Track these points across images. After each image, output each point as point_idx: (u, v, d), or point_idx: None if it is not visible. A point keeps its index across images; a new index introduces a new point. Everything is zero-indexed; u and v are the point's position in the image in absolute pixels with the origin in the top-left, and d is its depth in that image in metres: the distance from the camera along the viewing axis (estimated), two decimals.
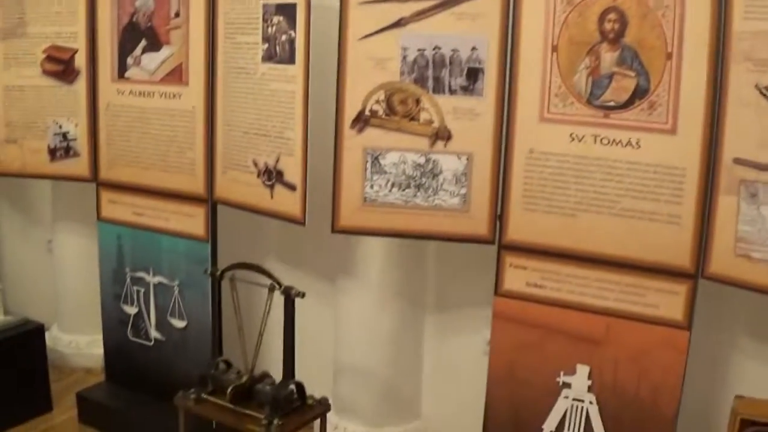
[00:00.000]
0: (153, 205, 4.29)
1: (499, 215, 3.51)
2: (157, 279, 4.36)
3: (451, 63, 3.50)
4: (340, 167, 3.61)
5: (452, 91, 3.52)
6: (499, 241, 3.53)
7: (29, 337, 4.58)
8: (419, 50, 3.53)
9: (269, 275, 3.32)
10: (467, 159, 3.52)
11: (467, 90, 3.51)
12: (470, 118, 3.50)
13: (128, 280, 4.46)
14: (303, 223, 3.69)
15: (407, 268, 4.11)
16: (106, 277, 4.58)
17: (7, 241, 5.79)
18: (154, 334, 4.47)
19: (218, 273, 3.48)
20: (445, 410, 4.34)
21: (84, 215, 4.99)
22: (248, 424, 3.39)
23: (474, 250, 3.77)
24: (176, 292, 4.32)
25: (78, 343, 5.23)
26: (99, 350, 5.14)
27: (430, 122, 3.52)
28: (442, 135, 3.53)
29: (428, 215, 3.62)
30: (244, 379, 3.48)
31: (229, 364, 3.62)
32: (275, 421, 3.35)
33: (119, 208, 4.41)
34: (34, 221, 5.60)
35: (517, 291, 3.53)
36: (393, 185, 3.56)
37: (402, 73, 3.56)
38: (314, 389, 3.58)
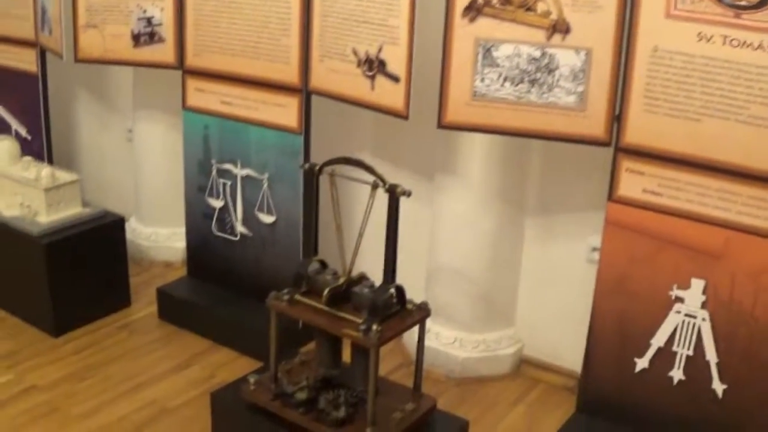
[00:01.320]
0: (242, 94, 4.12)
1: (617, 116, 3.29)
2: (245, 171, 4.21)
3: None
4: (448, 59, 3.41)
5: None
6: (615, 143, 3.33)
7: (109, 230, 4.49)
8: None
9: (373, 171, 3.13)
10: (586, 54, 3.30)
11: None
12: (590, 10, 3.27)
13: (214, 172, 4.31)
14: (406, 117, 3.50)
15: (510, 167, 3.94)
16: (191, 169, 4.44)
17: (85, 129, 5.68)
18: (240, 229, 4.33)
19: (317, 168, 3.24)
20: (540, 318, 4.22)
21: (166, 104, 4.88)
22: (345, 329, 3.23)
23: (582, 151, 3.62)
24: (265, 185, 4.18)
25: (158, 236, 5.12)
26: (179, 244, 5.09)
27: (547, 13, 3.29)
28: (560, 28, 3.31)
29: (541, 113, 3.42)
30: (341, 281, 3.29)
31: (324, 264, 3.42)
32: (374, 327, 3.17)
33: (206, 96, 4.23)
34: (113, 109, 5.47)
35: (633, 198, 3.34)
36: (505, 80, 3.35)
37: None
38: (407, 292, 3.40)
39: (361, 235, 3.29)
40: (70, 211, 4.39)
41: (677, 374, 3.39)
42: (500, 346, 4.21)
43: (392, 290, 3.29)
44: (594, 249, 3.85)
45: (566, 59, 3.35)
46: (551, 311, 4.16)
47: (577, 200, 3.94)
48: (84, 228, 4.36)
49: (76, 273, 4.35)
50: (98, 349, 4.29)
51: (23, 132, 5.07)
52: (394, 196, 3.17)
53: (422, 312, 3.39)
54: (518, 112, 3.43)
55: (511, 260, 4.15)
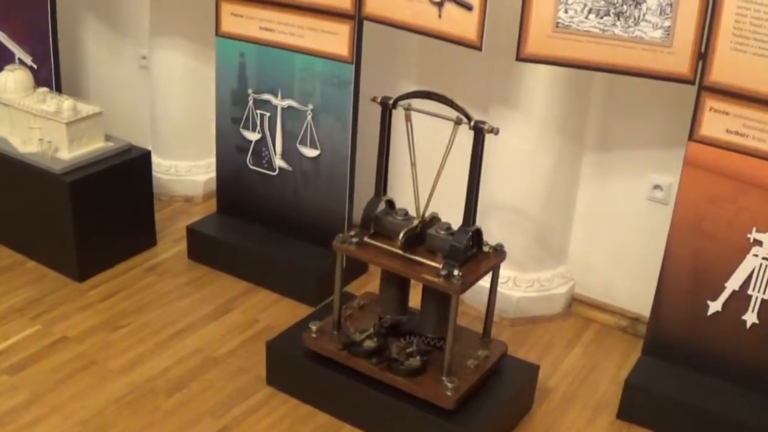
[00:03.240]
0: (285, 19, 3.91)
1: (702, 54, 3.15)
2: (287, 102, 4.00)
3: None
4: None
5: None
6: (700, 81, 3.20)
7: (135, 165, 4.29)
8: None
9: (457, 107, 2.95)
10: None
11: None
12: None
13: (251, 102, 4.11)
14: (479, 48, 3.34)
15: (572, 102, 3.81)
16: (224, 99, 4.23)
17: (94, 56, 5.44)
18: (278, 163, 4.15)
19: (391, 102, 3.05)
20: (593, 257, 4.14)
21: (186, 29, 4.70)
22: (423, 274, 3.08)
23: (646, 87, 3.53)
24: (309, 117, 3.99)
25: (177, 170, 4.90)
26: (200, 177, 4.97)
27: None
28: None
29: (626, 48, 3.26)
30: (415, 222, 3.11)
31: (392, 204, 3.25)
32: (455, 272, 3.02)
33: (243, 22, 4.02)
34: (124, 35, 5.22)
35: (715, 138, 3.22)
36: (590, 11, 3.20)
37: None
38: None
39: (438, 175, 3.09)
40: (93, 145, 4.19)
41: (751, 318, 3.33)
42: (553, 285, 4.14)
43: (470, 233, 3.09)
44: (656, 187, 3.83)
45: None
46: (605, 249, 4.09)
47: (639, 137, 3.84)
48: (109, 164, 4.15)
49: (100, 212, 4.17)
50: (127, 294, 4.10)
51: (28, 60, 4.81)
52: (481, 133, 2.99)
53: (499, 255, 3.31)
54: (602, 46, 3.28)
55: (567, 198, 4.04)
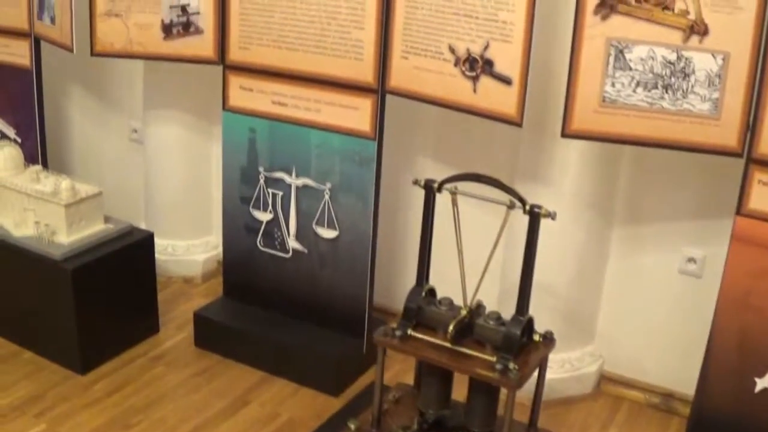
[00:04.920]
0: (301, 93, 3.77)
1: (750, 125, 3.07)
2: (302, 181, 3.85)
3: None
4: (577, 60, 3.15)
5: None
6: (748, 154, 3.11)
7: (138, 249, 4.11)
8: None
9: (509, 190, 2.82)
10: (723, 59, 3.05)
11: None
12: (730, 11, 3.01)
13: (262, 181, 3.95)
14: (519, 124, 3.23)
15: (602, 175, 3.72)
16: (232, 177, 4.07)
17: (80, 129, 5.26)
18: (292, 244, 3.98)
19: (436, 185, 2.90)
20: (623, 332, 4.03)
21: (181, 101, 4.57)
22: (476, 368, 2.93)
23: (677, 158, 3.46)
24: (327, 196, 3.83)
25: (175, 249, 4.70)
26: (199, 256, 4.81)
27: (685, 13, 3.05)
28: (697, 29, 3.06)
29: (673, 121, 3.17)
30: (464, 312, 2.95)
31: (433, 293, 3.09)
32: (511, 365, 2.86)
33: (254, 96, 3.87)
34: (113, 107, 5.05)
35: (764, 211, 3.12)
36: (638, 84, 3.11)
37: None
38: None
39: (489, 260, 2.94)
40: (93, 228, 3.99)
41: None
42: (583, 364, 4.01)
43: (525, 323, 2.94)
44: (690, 260, 3.75)
45: (703, 63, 3.09)
46: (635, 325, 3.98)
47: (671, 209, 3.77)
48: (111, 248, 3.96)
49: (102, 299, 3.96)
50: (135, 388, 3.89)
51: (11, 133, 4.63)
52: (536, 218, 2.85)
53: (549, 344, 3.19)
54: (649, 120, 3.18)
55: (596, 273, 3.93)
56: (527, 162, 3.74)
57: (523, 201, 2.91)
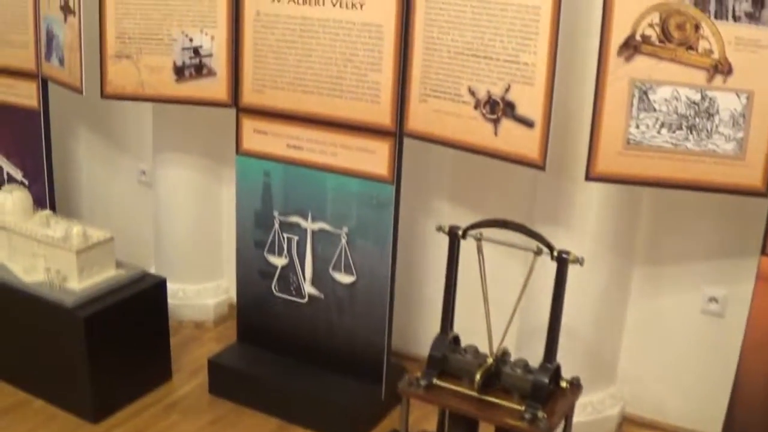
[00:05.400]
0: (316, 136, 3.74)
1: None
2: (318, 225, 3.81)
3: None
4: (601, 102, 3.13)
5: (736, 18, 3.00)
6: None
7: (150, 295, 4.06)
8: None
9: (536, 236, 2.78)
10: (747, 98, 3.04)
11: (753, 17, 2.98)
12: (753, 50, 3.00)
13: (276, 225, 3.91)
14: (542, 167, 3.18)
15: (621, 215, 3.69)
16: (246, 222, 4.06)
17: (88, 171, 5.24)
18: (308, 289, 3.94)
19: (460, 231, 2.86)
20: (644, 373, 4.00)
21: (191, 144, 4.55)
22: (504, 418, 2.89)
23: (696, 197, 3.41)
24: (344, 241, 3.79)
25: (186, 293, 4.62)
26: (210, 300, 4.78)
27: (709, 52, 3.04)
28: (721, 68, 3.04)
29: (698, 162, 3.15)
30: (490, 361, 2.91)
31: (457, 341, 3.05)
32: (540, 414, 2.83)
33: (268, 139, 3.85)
34: (121, 149, 5.04)
35: None
36: (662, 125, 3.09)
37: None
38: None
39: (515, 309, 2.91)
40: (105, 274, 3.94)
41: None
42: (605, 406, 3.96)
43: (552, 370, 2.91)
44: (711, 299, 3.72)
45: (727, 103, 3.08)
46: (656, 365, 3.96)
47: (691, 249, 3.75)
48: (123, 294, 3.91)
49: (115, 346, 3.90)
50: None
51: (18, 176, 4.59)
52: (564, 264, 2.81)
53: (577, 390, 3.17)
54: (674, 162, 3.16)
55: (617, 315, 3.91)
56: (546, 204, 3.72)
57: (550, 247, 2.89)
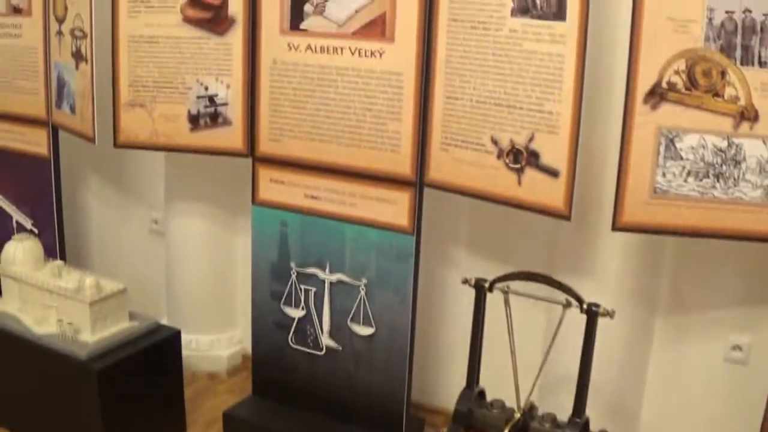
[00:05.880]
0: (335, 186, 3.72)
1: None
2: (336, 276, 3.78)
3: (762, 30, 2.97)
4: (627, 151, 3.13)
5: (762, 64, 2.99)
6: None
7: (165, 347, 4.02)
8: (727, 12, 2.99)
9: (566, 288, 2.74)
10: None
11: None
12: None
13: (293, 276, 3.87)
14: (568, 218, 3.14)
15: (644, 264, 3.67)
16: (261, 272, 4.03)
17: (99, 219, 5.23)
18: (326, 341, 3.91)
19: (487, 284, 2.83)
20: (666, 423, 3.95)
21: (205, 193, 4.53)
22: None
23: (720, 242, 3.36)
24: (362, 292, 3.76)
25: (199, 344, 4.58)
26: (223, 352, 4.75)
27: (735, 99, 3.03)
28: (748, 115, 3.04)
29: (725, 210, 3.13)
30: (518, 416, 2.87)
31: (482, 395, 3.01)
32: None
33: (285, 189, 3.83)
34: (132, 197, 5.02)
35: None
36: (689, 174, 3.06)
37: (707, 39, 3.02)
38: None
39: (543, 362, 2.87)
40: (118, 326, 3.91)
41: None
42: None
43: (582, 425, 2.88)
44: (735, 347, 3.70)
45: (753, 150, 3.07)
46: (679, 414, 3.91)
47: (714, 297, 3.72)
48: (137, 347, 3.87)
49: (128, 399, 3.86)
50: None
51: (27, 224, 4.57)
52: (594, 317, 2.78)
53: None
54: (701, 210, 3.14)
55: (640, 364, 3.88)
56: (567, 252, 3.71)
57: (580, 300, 2.86)
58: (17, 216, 4.65)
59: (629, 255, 3.61)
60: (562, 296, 2.92)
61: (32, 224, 4.61)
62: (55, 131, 4.48)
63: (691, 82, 3.05)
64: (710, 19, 3.00)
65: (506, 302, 2.94)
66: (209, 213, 4.51)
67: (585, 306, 2.84)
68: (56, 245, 4.54)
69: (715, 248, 3.56)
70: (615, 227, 3.21)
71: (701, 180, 3.11)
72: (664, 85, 3.08)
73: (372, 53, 3.54)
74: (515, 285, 3.04)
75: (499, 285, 2.98)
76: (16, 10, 4.49)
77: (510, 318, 2.96)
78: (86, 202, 5.19)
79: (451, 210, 4.04)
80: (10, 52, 4.53)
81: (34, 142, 4.54)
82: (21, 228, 4.63)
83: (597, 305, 2.84)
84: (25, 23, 4.47)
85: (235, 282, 4.60)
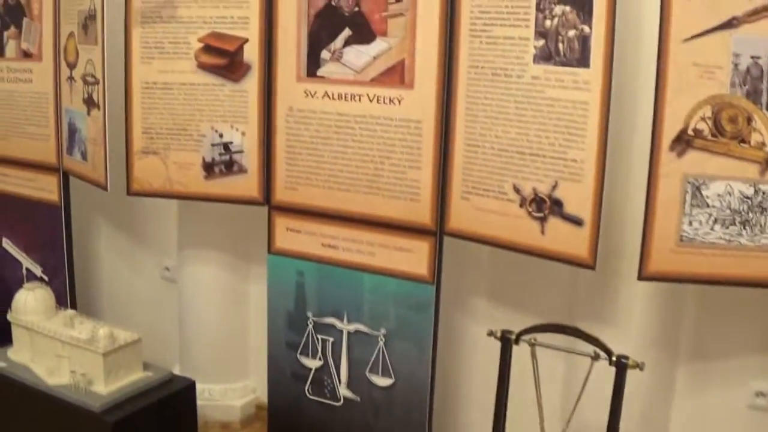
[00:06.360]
0: (353, 235, 3.71)
1: None
2: (354, 326, 3.77)
3: None
4: (653, 199, 3.11)
5: None
6: None
7: (178, 398, 3.97)
8: (753, 57, 2.99)
9: (594, 341, 2.72)
10: None
11: None
12: None
13: (310, 326, 3.86)
14: (592, 267, 3.13)
15: (665, 311, 3.64)
16: (278, 322, 4.02)
17: (109, 267, 5.20)
18: (344, 392, 3.89)
19: (513, 336, 2.81)
20: None
21: (218, 241, 4.50)
22: None
23: (740, 290, 3.33)
24: (381, 343, 3.74)
25: (212, 393, 4.56)
26: (237, 401, 4.69)
27: (762, 145, 3.03)
28: None
29: (752, 257, 3.11)
30: None
31: None
32: None
33: (302, 238, 3.82)
34: (143, 244, 4.99)
35: None
36: (716, 221, 3.05)
37: (732, 85, 3.01)
38: None
39: (572, 414, 2.87)
40: (132, 376, 3.90)
41: None
42: None
43: None
44: (758, 394, 3.65)
45: None
46: None
47: (737, 343, 3.68)
48: (151, 398, 3.86)
49: None
50: None
51: (37, 271, 4.55)
52: (623, 370, 2.75)
53: None
54: (728, 258, 3.11)
55: (661, 413, 3.83)
56: (589, 301, 3.69)
57: (609, 352, 2.84)
58: (27, 263, 4.64)
59: (650, 302, 3.59)
60: (589, 347, 2.89)
61: (42, 271, 4.59)
62: (66, 177, 4.46)
63: (717, 129, 3.05)
64: (736, 65, 2.99)
65: (533, 355, 2.92)
66: (222, 260, 4.49)
67: (614, 358, 2.81)
68: (67, 293, 4.51)
69: (736, 294, 3.49)
70: (641, 277, 3.19)
71: (728, 227, 3.10)
72: (690, 132, 3.07)
73: (391, 100, 3.54)
74: (541, 336, 3.01)
75: (525, 337, 2.93)
76: (26, 55, 4.47)
77: (537, 371, 2.94)
78: (96, 248, 5.17)
79: (469, 257, 4.01)
80: (21, 98, 4.53)
81: (45, 188, 4.53)
82: (31, 275, 4.61)
83: (626, 357, 2.82)
84: (36, 68, 4.47)
85: (248, 330, 4.58)
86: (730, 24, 2.99)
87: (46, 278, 4.58)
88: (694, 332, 3.76)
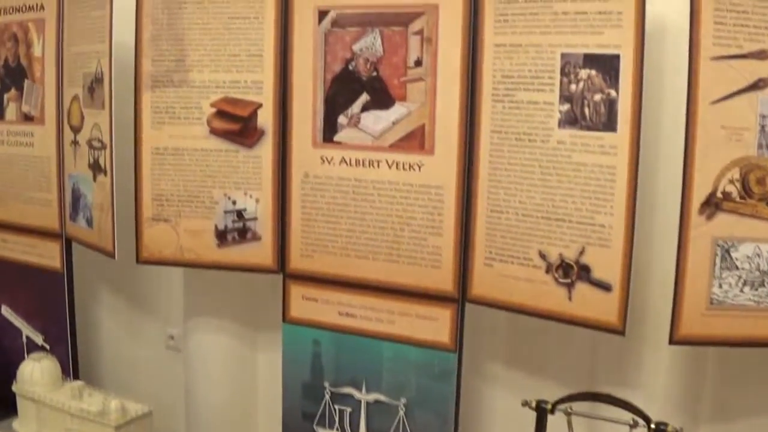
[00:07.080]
0: (371, 303, 3.70)
1: None
2: (373, 396, 3.77)
3: None
4: (683, 263, 3.14)
5: None
6: None
7: None
8: None
9: (632, 408, 2.72)
10: None
11: None
12: None
13: (327, 396, 3.83)
14: (622, 333, 3.17)
15: (688, 374, 3.66)
16: (293, 393, 4.01)
17: (111, 335, 5.15)
18: None
19: (549, 406, 2.82)
20: None
21: (226, 309, 4.47)
22: None
23: (762, 350, 3.35)
24: (401, 413, 3.71)
25: None
26: None
27: None
28: None
29: None
30: None
31: None
32: None
33: (318, 307, 3.82)
34: (147, 312, 4.96)
35: None
36: (745, 283, 3.09)
37: (759, 146, 3.07)
38: None
39: None
40: None
41: None
42: None
43: None
44: None
45: None
46: None
47: (759, 404, 3.67)
48: None
49: None
50: None
51: (39, 340, 4.51)
52: None
53: None
54: (758, 320, 3.15)
55: None
56: (611, 365, 3.72)
57: (647, 419, 2.84)
58: (27, 331, 4.61)
59: (674, 365, 3.62)
60: (624, 414, 2.90)
61: (43, 339, 4.55)
62: (68, 244, 4.43)
63: (745, 191, 3.07)
64: (762, 126, 3.05)
65: (569, 424, 2.92)
66: (230, 328, 4.47)
67: (653, 426, 2.81)
68: (70, 363, 4.47)
69: (756, 352, 3.50)
70: (672, 341, 3.21)
71: (757, 289, 3.14)
72: (719, 194, 3.11)
73: (410, 166, 3.56)
74: (576, 405, 3.01)
75: (561, 406, 2.94)
76: (27, 118, 4.46)
77: None
78: (97, 315, 5.13)
79: (487, 323, 3.99)
80: (22, 162, 4.53)
81: (47, 255, 4.51)
82: (31, 343, 4.58)
83: (665, 424, 2.83)
84: (38, 131, 4.47)
85: (257, 401, 4.54)
86: (756, 86, 3.05)
87: (47, 346, 4.53)
88: (714, 391, 3.76)
